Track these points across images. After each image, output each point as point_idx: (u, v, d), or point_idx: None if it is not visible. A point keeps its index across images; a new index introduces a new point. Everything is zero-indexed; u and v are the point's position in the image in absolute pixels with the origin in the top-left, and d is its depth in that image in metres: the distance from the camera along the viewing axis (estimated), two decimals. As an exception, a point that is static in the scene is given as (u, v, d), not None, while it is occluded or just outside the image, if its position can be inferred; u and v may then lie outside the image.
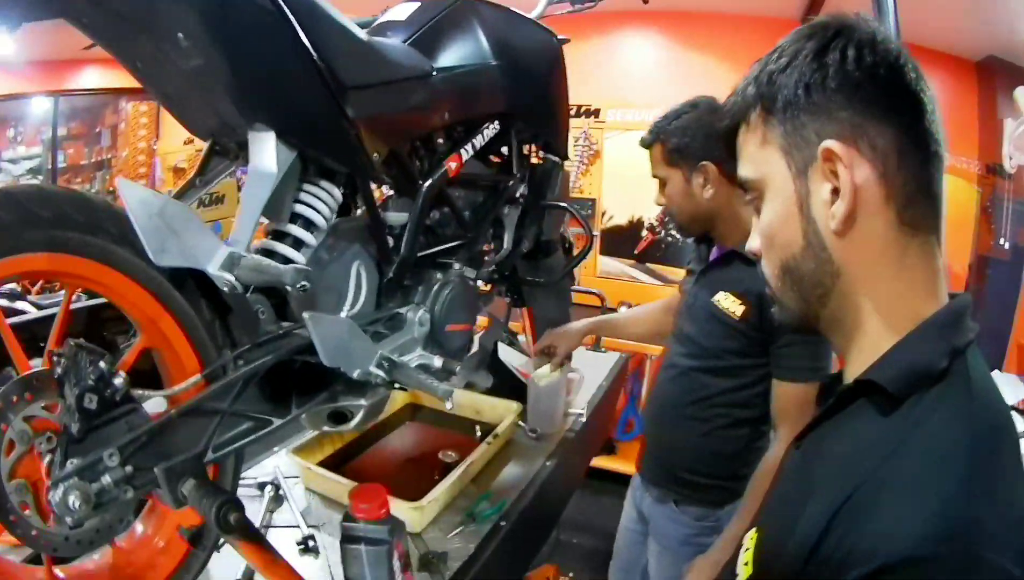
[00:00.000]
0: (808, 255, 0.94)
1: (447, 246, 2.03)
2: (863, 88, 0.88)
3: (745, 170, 1.03)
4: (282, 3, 1.37)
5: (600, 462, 4.85)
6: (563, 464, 2.56)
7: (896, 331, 0.90)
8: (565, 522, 4.31)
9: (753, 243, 1.05)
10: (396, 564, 1.55)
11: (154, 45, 1.33)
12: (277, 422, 1.52)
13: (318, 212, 1.58)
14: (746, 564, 1.03)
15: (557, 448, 2.61)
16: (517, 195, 2.35)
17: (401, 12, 2.00)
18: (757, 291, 2.10)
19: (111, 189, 7.90)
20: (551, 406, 2.71)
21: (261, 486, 2.19)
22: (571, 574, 4.25)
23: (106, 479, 1.20)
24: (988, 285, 5.39)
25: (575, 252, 2.89)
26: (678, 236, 5.79)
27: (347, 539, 1.55)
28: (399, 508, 1.80)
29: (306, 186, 1.57)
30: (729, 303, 2.23)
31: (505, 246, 2.38)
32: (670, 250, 6.18)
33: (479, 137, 2.05)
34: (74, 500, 1.15)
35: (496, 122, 2.13)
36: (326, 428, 1.73)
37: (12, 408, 1.14)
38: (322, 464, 2.27)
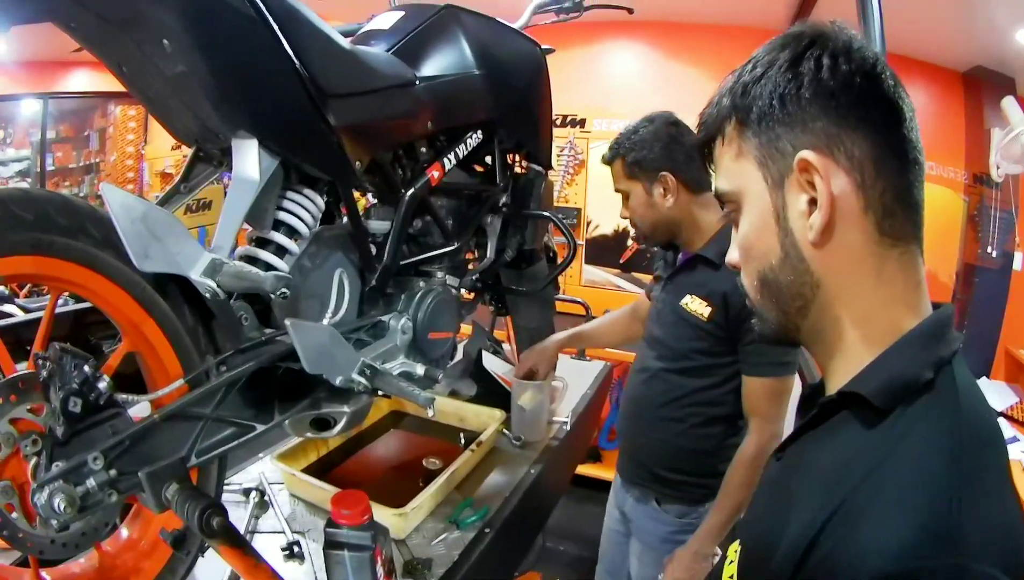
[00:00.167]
0: (786, 267, 0.93)
1: (430, 254, 2.04)
2: (839, 97, 0.86)
3: (721, 183, 1.02)
4: (265, 11, 1.37)
5: (585, 469, 4.86)
6: (547, 471, 2.56)
7: (877, 342, 0.89)
8: (550, 529, 4.32)
9: (732, 256, 1.04)
10: (379, 570, 1.55)
11: (139, 50, 1.34)
12: (260, 428, 1.52)
13: (301, 220, 1.59)
14: (730, 577, 1.02)
15: (541, 456, 2.61)
16: (500, 204, 2.37)
17: (385, 21, 2.01)
18: (722, 292, 2.22)
19: (99, 193, 7.84)
20: (535, 415, 2.71)
21: (246, 492, 2.18)
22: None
23: (91, 482, 1.20)
24: (975, 293, 5.40)
25: (559, 261, 2.90)
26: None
27: (330, 545, 1.55)
28: (383, 514, 1.81)
29: (289, 194, 1.58)
30: (697, 305, 2.31)
31: (488, 255, 2.40)
32: (655, 260, 6.14)
33: (462, 146, 2.06)
34: (59, 503, 1.15)
35: (479, 131, 2.14)
36: (309, 434, 1.73)
37: (-3, 409, 1.15)
38: (306, 470, 2.27)
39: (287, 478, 2.22)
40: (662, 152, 2.33)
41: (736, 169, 0.97)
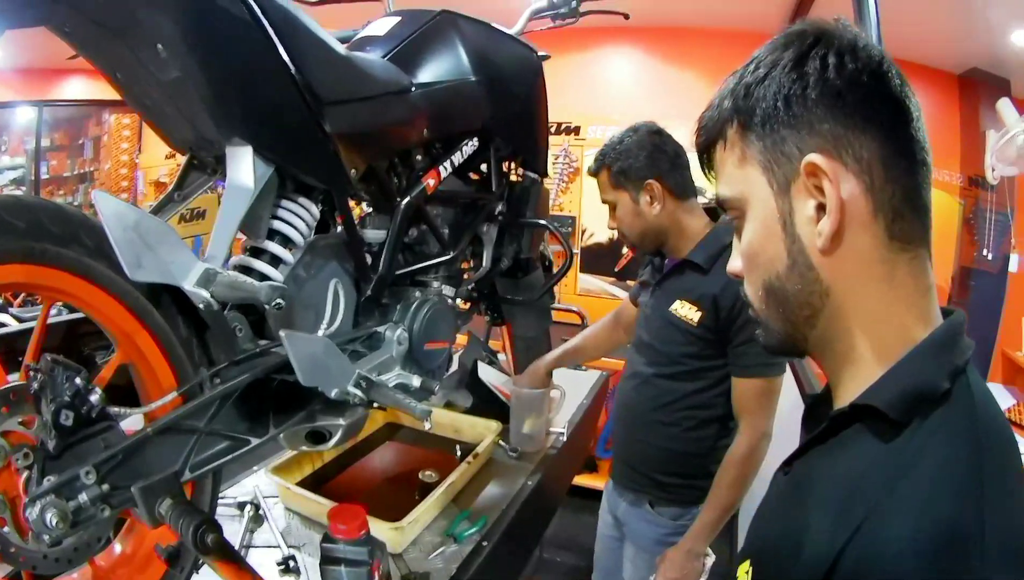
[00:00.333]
0: (793, 275, 0.89)
1: (425, 264, 2.03)
2: (845, 97, 0.83)
3: (724, 189, 0.97)
4: (261, 16, 1.36)
5: (582, 479, 4.83)
6: (544, 482, 2.54)
7: (889, 351, 0.86)
8: (547, 540, 4.30)
9: (735, 264, 1.00)
10: (376, 584, 1.54)
11: (133, 55, 1.32)
12: (255, 441, 1.51)
13: (295, 229, 1.57)
14: None
15: (538, 466, 2.60)
16: (496, 212, 2.36)
17: (381, 27, 1.99)
18: (711, 295, 2.26)
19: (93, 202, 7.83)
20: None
21: (241, 506, 2.16)
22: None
23: (83, 497, 1.18)
24: (972, 296, 5.40)
25: (555, 270, 2.89)
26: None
27: (326, 560, 1.54)
28: (379, 528, 1.79)
29: (283, 202, 1.57)
30: (686, 311, 2.35)
31: (484, 264, 2.39)
32: (641, 265, 6.14)
33: (458, 154, 2.05)
34: (51, 517, 1.13)
35: (475, 138, 2.13)
36: (304, 448, 1.71)
37: (-11, 421, 1.13)
38: (301, 484, 2.25)
39: (282, 491, 2.20)
40: (647, 160, 2.37)
41: (739, 174, 0.93)
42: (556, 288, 2.89)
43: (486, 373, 2.94)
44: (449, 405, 2.75)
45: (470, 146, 2.11)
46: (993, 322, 5.22)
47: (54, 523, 1.13)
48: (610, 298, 6.22)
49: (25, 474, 1.16)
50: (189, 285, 1.32)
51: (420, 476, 2.34)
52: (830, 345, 0.92)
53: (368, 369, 1.68)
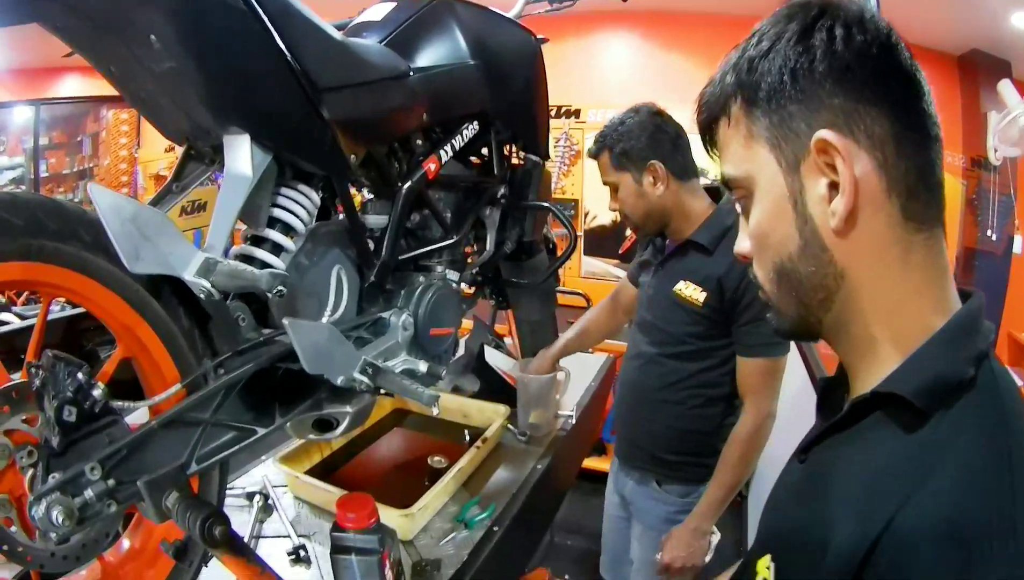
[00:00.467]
0: (807, 256, 0.86)
1: (429, 249, 2.01)
2: (855, 70, 0.80)
3: (729, 168, 0.94)
4: (255, 3, 1.34)
5: (590, 463, 4.82)
6: (554, 466, 2.54)
7: (907, 336, 0.84)
8: (557, 524, 4.30)
9: (743, 245, 0.97)
10: (388, 573, 1.54)
11: (127, 49, 1.30)
12: (261, 431, 1.49)
13: (296, 216, 1.55)
14: None
15: (548, 450, 2.60)
16: (498, 196, 2.35)
17: (377, 12, 1.98)
18: (716, 277, 2.27)
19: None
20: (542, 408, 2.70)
21: (250, 496, 2.16)
22: (566, 576, 4.24)
23: (89, 493, 1.17)
24: (976, 278, 5.41)
25: (558, 253, 2.88)
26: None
27: (337, 549, 1.53)
28: (389, 516, 1.78)
29: (283, 190, 1.55)
30: (691, 291, 2.36)
31: (488, 248, 2.37)
32: (641, 244, 6.14)
33: (458, 138, 2.03)
34: (57, 515, 1.12)
35: (475, 122, 2.11)
36: (311, 436, 1.70)
37: (-9, 421, 1.12)
38: (310, 472, 2.25)
39: (290, 481, 2.19)
40: (649, 141, 2.38)
41: (745, 152, 0.91)
42: (560, 271, 2.88)
43: (493, 357, 2.94)
44: (456, 390, 2.75)
45: (470, 130, 2.09)
46: (997, 304, 5.25)
47: (60, 520, 1.12)
48: (614, 280, 6.20)
49: (30, 472, 1.15)
50: (189, 275, 1.30)
51: (429, 462, 2.33)
52: (845, 328, 0.90)
53: (374, 355, 1.67)
